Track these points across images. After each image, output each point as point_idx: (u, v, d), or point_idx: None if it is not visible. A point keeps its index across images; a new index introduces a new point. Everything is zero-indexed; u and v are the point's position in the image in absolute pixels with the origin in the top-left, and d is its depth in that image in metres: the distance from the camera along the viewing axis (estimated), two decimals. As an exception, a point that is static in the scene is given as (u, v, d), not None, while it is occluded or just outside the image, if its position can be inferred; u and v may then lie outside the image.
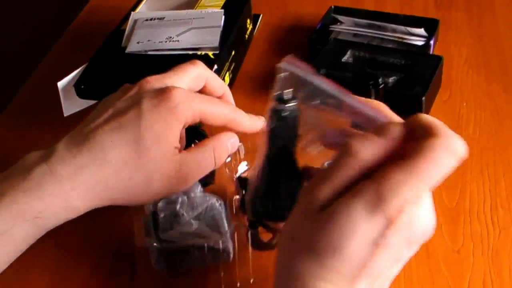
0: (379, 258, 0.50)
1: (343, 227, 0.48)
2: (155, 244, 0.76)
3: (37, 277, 0.84)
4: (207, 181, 0.85)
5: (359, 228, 0.48)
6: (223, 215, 0.79)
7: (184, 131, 0.72)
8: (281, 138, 0.63)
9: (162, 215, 0.78)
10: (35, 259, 0.86)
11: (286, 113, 0.62)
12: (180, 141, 0.71)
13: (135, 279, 0.82)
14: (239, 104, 0.81)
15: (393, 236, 0.50)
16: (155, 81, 0.70)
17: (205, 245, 0.76)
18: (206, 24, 1.11)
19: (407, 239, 0.52)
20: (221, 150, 0.73)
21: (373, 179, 0.49)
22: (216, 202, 0.80)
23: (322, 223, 0.49)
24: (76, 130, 0.69)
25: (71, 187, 0.64)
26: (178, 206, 0.78)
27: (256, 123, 0.75)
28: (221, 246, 0.76)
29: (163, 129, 0.65)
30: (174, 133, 0.66)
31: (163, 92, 0.66)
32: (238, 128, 0.74)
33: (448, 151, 0.49)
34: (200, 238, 0.76)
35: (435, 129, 0.49)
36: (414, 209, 0.51)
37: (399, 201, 0.48)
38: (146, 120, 0.64)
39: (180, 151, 0.70)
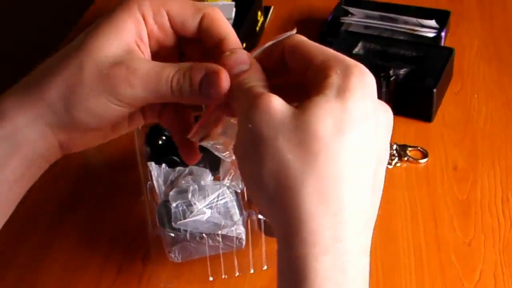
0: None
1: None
2: (168, 233, 0.77)
3: (52, 263, 0.85)
4: (216, 168, 0.85)
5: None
6: (235, 203, 0.80)
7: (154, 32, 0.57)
8: None
9: (174, 204, 0.79)
10: (51, 246, 0.87)
11: None
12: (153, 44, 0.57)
13: (149, 267, 0.83)
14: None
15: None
16: None
17: (218, 233, 0.77)
18: (217, 16, 1.11)
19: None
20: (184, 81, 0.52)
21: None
22: (227, 190, 0.80)
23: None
24: None
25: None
26: (189, 195, 0.79)
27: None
28: (234, 233, 0.77)
29: (107, 22, 0.54)
30: (120, 25, 0.54)
31: None
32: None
33: None
34: (213, 226, 0.77)
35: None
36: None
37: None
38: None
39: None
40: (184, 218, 0.77)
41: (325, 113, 0.43)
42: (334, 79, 0.44)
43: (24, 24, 1.39)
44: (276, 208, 0.44)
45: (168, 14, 0.55)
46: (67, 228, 0.90)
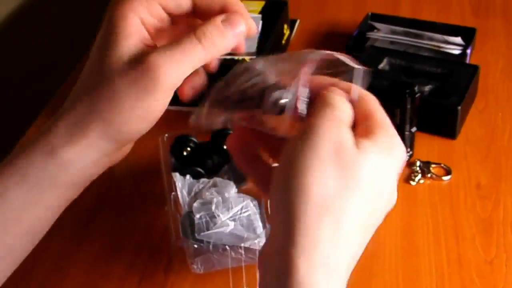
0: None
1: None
2: (191, 244, 0.78)
3: (75, 272, 0.86)
4: (240, 180, 0.86)
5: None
6: (258, 216, 0.80)
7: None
8: None
9: (198, 215, 0.79)
10: (74, 255, 0.88)
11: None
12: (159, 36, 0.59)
13: (171, 278, 0.84)
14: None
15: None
16: None
17: (241, 245, 0.77)
18: (243, 28, 1.12)
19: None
20: (211, 33, 0.55)
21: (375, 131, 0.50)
22: (250, 203, 0.81)
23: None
24: None
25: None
26: (213, 207, 0.80)
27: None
28: (257, 246, 0.77)
29: (109, 23, 0.56)
30: (125, 24, 0.56)
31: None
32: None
33: None
34: (236, 238, 0.77)
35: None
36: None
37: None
38: (100, 30, 0.58)
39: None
40: (208, 230, 0.78)
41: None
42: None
43: (50, 31, 1.41)
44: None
45: (161, 4, 0.57)
46: (90, 236, 0.91)
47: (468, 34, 1.17)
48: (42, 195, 0.56)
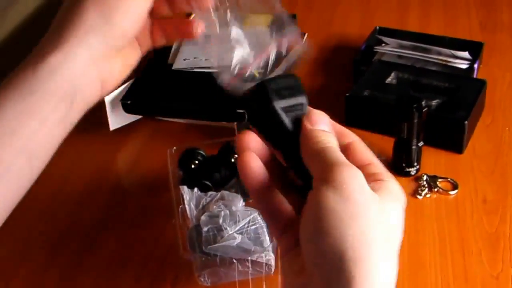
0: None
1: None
2: (198, 257, 0.78)
3: (82, 284, 0.87)
4: (247, 194, 0.86)
5: None
6: (265, 229, 0.80)
7: None
8: None
9: (205, 228, 0.80)
10: (81, 267, 0.89)
11: None
12: None
13: (178, 290, 0.84)
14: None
15: None
16: None
17: (248, 258, 0.78)
18: (252, 42, 1.13)
19: None
20: None
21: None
22: (258, 216, 0.81)
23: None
24: None
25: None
26: (221, 220, 0.80)
27: None
28: (263, 259, 0.78)
29: None
30: None
31: None
32: None
33: None
34: (243, 251, 0.78)
35: None
36: None
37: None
38: None
39: None
40: (215, 243, 0.78)
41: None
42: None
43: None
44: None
45: None
46: (98, 248, 0.91)
47: (475, 49, 1.18)
48: (35, 106, 0.57)
